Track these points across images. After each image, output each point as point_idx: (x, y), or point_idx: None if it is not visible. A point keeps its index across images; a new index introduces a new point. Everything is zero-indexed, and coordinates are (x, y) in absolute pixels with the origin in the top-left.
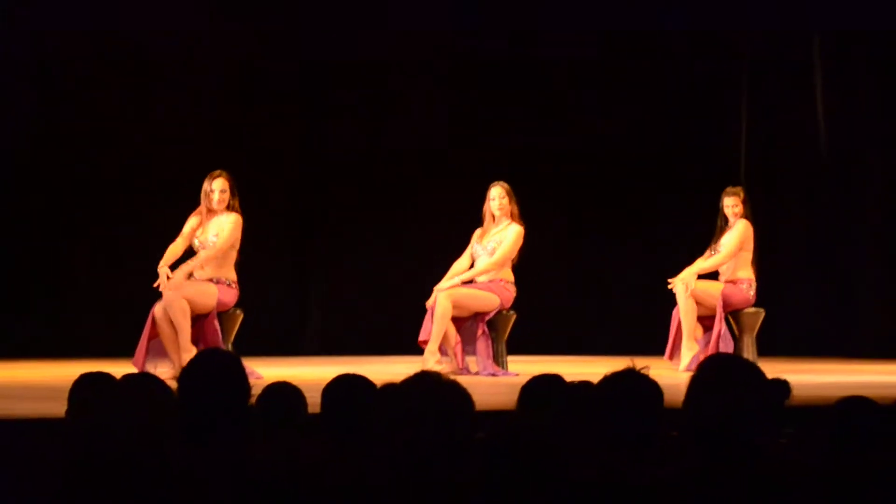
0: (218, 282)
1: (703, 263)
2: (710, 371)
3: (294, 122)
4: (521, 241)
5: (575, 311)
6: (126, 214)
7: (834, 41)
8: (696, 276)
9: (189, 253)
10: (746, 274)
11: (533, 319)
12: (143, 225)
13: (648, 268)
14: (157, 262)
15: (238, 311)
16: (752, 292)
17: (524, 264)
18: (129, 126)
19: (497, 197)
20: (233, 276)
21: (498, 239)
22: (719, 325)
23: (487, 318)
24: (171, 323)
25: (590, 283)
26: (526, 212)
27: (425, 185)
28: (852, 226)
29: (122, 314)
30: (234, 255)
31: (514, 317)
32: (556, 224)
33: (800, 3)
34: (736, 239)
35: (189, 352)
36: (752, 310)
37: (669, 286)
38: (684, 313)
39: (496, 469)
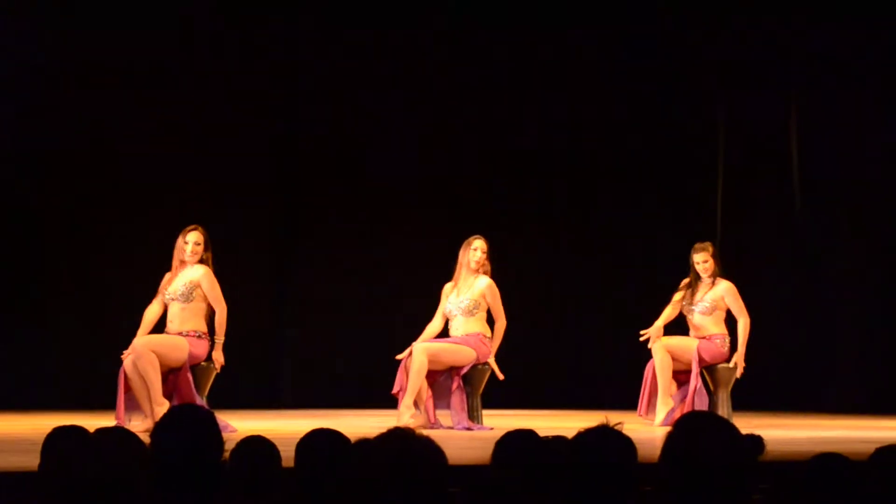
0: (188, 335)
1: (667, 315)
2: (685, 427)
3: (267, 167)
4: (497, 293)
5: (550, 365)
6: (104, 260)
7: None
8: (662, 328)
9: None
10: (720, 329)
11: (508, 373)
12: (115, 268)
13: (621, 321)
14: (133, 313)
15: (212, 365)
16: (727, 348)
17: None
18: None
19: (479, 249)
20: (204, 328)
21: (470, 296)
22: (696, 381)
23: (463, 371)
24: (142, 377)
25: (563, 337)
26: (500, 260)
27: (398, 236)
28: (825, 282)
29: (97, 365)
30: (205, 308)
31: (489, 371)
32: (530, 275)
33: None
34: (739, 301)
35: (161, 405)
36: (726, 365)
37: (641, 338)
38: (660, 368)
39: None
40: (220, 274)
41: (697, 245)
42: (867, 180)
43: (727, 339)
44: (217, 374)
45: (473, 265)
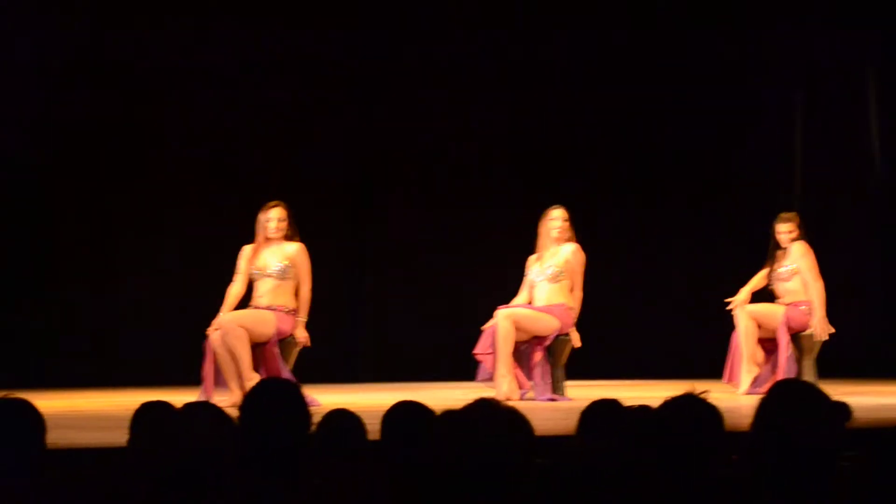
0: (276, 309)
1: (754, 284)
2: (779, 395)
3: (349, 150)
4: (584, 260)
5: (634, 335)
6: (178, 242)
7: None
8: (750, 295)
9: (248, 287)
10: (806, 296)
11: (591, 343)
12: (197, 253)
13: (707, 289)
14: (212, 290)
15: (296, 340)
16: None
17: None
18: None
19: (558, 219)
20: (292, 303)
21: (555, 262)
22: (787, 349)
23: (546, 343)
24: (230, 351)
25: (648, 306)
26: (582, 233)
27: (478, 212)
28: None
29: (179, 341)
30: (293, 284)
31: (570, 342)
32: (614, 247)
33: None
34: (811, 261)
35: (251, 379)
36: (811, 332)
37: (728, 307)
38: (745, 336)
39: (556, 495)
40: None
41: (782, 215)
42: None
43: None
44: (301, 350)
45: (555, 234)
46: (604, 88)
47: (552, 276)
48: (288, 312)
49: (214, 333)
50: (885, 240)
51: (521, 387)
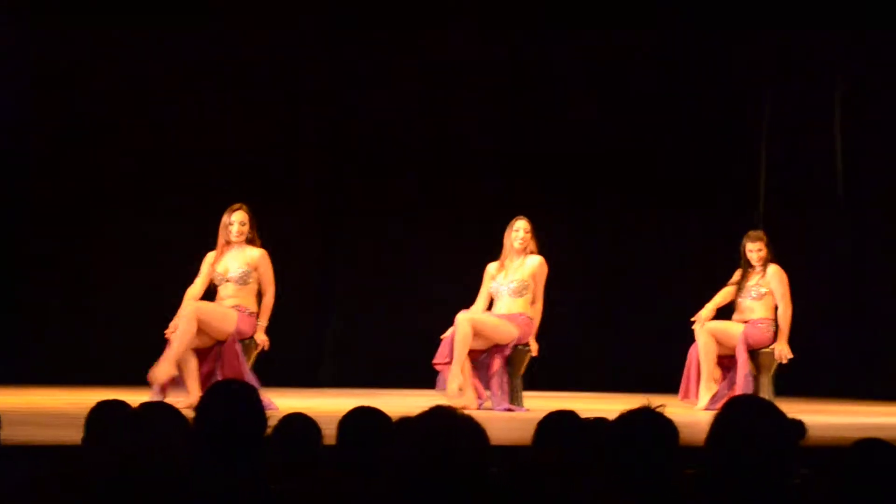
0: (239, 310)
1: (718, 301)
2: (733, 410)
3: (314, 155)
4: (546, 272)
5: (593, 348)
6: (141, 237)
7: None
8: (714, 312)
9: (209, 291)
10: (767, 314)
11: (549, 355)
12: (160, 246)
13: (664, 304)
14: (173, 290)
15: (255, 342)
16: (772, 332)
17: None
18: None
19: (521, 230)
20: (253, 306)
21: (520, 276)
22: (746, 366)
23: (506, 352)
24: (188, 351)
25: (606, 320)
26: (540, 244)
27: (445, 218)
28: (871, 265)
29: (138, 340)
30: (255, 288)
31: (530, 353)
32: (575, 259)
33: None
34: (785, 287)
35: (170, 363)
36: (769, 349)
37: (692, 324)
38: (704, 353)
39: None
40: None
41: (751, 233)
42: None
43: (773, 324)
44: (259, 353)
45: (518, 245)
46: (574, 96)
47: (516, 289)
48: (249, 314)
49: (173, 334)
50: (846, 256)
51: (478, 396)
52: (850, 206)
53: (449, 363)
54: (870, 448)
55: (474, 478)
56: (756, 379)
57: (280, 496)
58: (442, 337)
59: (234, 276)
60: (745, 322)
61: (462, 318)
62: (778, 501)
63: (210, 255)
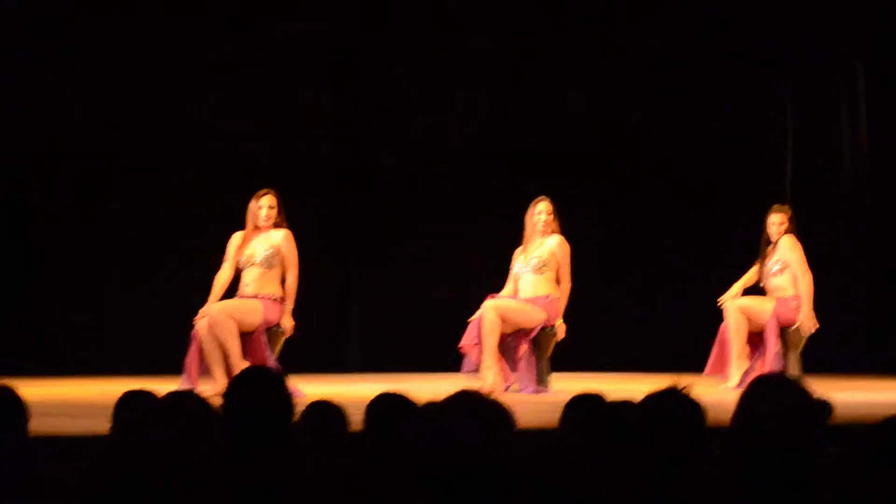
0: (263, 298)
1: (746, 280)
2: (759, 389)
3: (338, 142)
4: (569, 251)
5: (619, 328)
6: (166, 230)
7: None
8: (742, 291)
9: (236, 276)
10: (795, 291)
11: (576, 336)
12: (185, 240)
13: (693, 283)
14: (200, 278)
15: (281, 329)
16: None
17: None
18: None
19: (544, 212)
20: (278, 291)
21: (539, 254)
22: (776, 344)
23: (532, 335)
24: (216, 340)
25: (634, 300)
26: (568, 226)
27: (467, 202)
28: None
29: (164, 329)
30: (279, 272)
31: (556, 335)
32: (600, 239)
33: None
34: (799, 255)
35: (240, 369)
36: (797, 327)
37: (719, 303)
38: (734, 331)
39: (537, 487)
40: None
41: (776, 206)
42: None
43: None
44: (287, 339)
45: (540, 227)
46: (594, 85)
47: (536, 266)
48: (274, 301)
49: (201, 322)
50: (871, 237)
51: (505, 379)
52: (877, 182)
53: (476, 345)
54: None
55: (501, 462)
56: (784, 356)
57: (307, 482)
58: (469, 320)
59: (260, 259)
60: (777, 299)
61: (488, 305)
62: (806, 480)
63: (236, 237)
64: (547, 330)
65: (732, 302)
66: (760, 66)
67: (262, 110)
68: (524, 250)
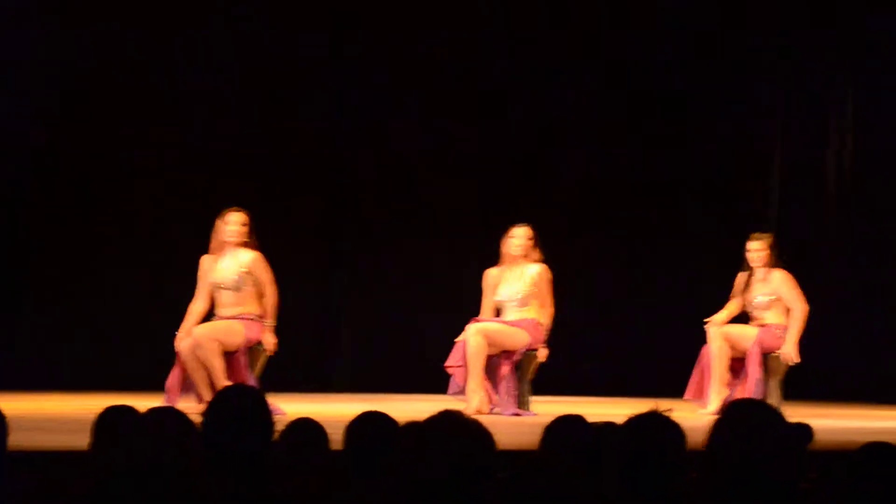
0: (243, 318)
1: (731, 310)
2: (732, 415)
3: (323, 158)
4: (551, 278)
5: (601, 352)
6: (146, 241)
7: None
8: (728, 320)
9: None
10: (780, 319)
11: (557, 359)
12: (166, 250)
13: (672, 308)
14: (180, 297)
15: (262, 348)
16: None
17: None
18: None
19: (521, 237)
20: (256, 309)
21: (521, 287)
22: (758, 371)
23: (515, 357)
24: (199, 361)
25: (616, 324)
26: (551, 251)
27: (454, 223)
28: (879, 271)
29: (145, 346)
30: (254, 291)
31: (538, 358)
32: (582, 264)
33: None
34: (794, 289)
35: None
36: (778, 353)
37: (705, 324)
38: (717, 356)
39: None
40: (270, 259)
41: (754, 234)
42: None
43: (786, 330)
44: (271, 357)
45: (516, 251)
46: (570, 105)
47: (521, 301)
48: (254, 319)
49: (184, 343)
50: (854, 262)
51: (490, 401)
52: (860, 210)
53: (461, 367)
54: (878, 452)
55: (481, 482)
56: (764, 383)
57: (285, 501)
58: (456, 340)
59: (229, 283)
60: (762, 327)
61: (473, 329)
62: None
63: (204, 263)
64: (529, 353)
65: (716, 328)
66: (748, 94)
67: (246, 128)
68: (503, 278)
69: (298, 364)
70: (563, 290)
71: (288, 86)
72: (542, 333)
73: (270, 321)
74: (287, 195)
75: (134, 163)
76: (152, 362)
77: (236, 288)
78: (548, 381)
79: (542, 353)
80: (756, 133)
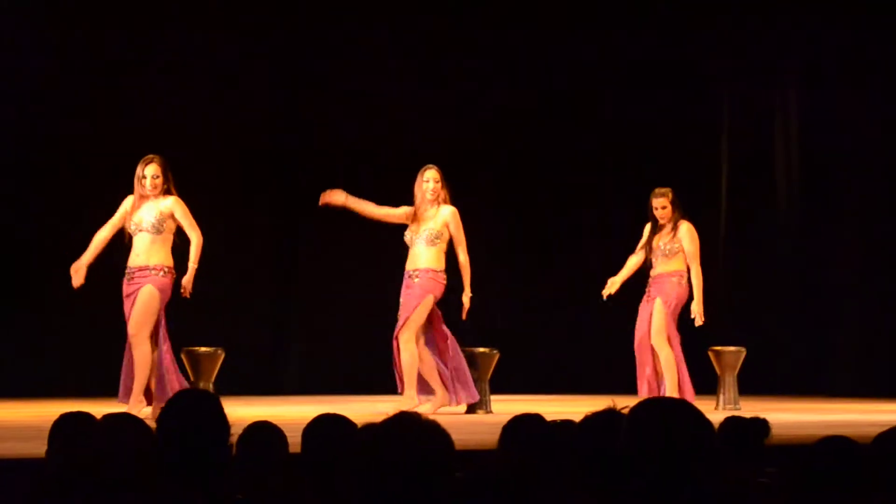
0: (154, 269)
1: (632, 266)
2: (643, 414)
3: (273, 158)
4: (460, 222)
5: (559, 350)
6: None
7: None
8: (626, 278)
9: (118, 238)
10: (679, 267)
11: (516, 358)
12: (120, 255)
13: (626, 305)
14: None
15: (219, 351)
16: (685, 288)
17: (507, 302)
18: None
19: (431, 180)
20: (170, 262)
21: (432, 225)
22: (676, 336)
23: (442, 328)
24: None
25: (570, 323)
26: (508, 244)
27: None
28: (831, 265)
29: (98, 352)
30: (171, 237)
31: (497, 356)
32: (539, 262)
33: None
34: (696, 246)
35: (140, 403)
36: (733, 348)
37: (607, 291)
38: (667, 368)
39: None
40: (224, 259)
41: (657, 190)
42: (869, 169)
43: (684, 277)
44: (224, 360)
45: (430, 196)
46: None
47: (428, 238)
48: (164, 274)
49: (77, 277)
50: (806, 255)
51: (451, 398)
52: (806, 203)
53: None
54: (834, 445)
55: (439, 482)
56: (720, 378)
57: None
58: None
59: (148, 225)
60: (657, 275)
61: (401, 342)
62: (703, 494)
63: (128, 201)
64: (487, 352)
65: (613, 290)
66: (697, 93)
67: (211, 126)
68: (416, 219)
69: (251, 367)
70: (526, 286)
71: (245, 104)
72: (442, 281)
73: (194, 263)
74: (244, 203)
75: (87, 164)
76: (108, 369)
77: (156, 231)
78: (506, 380)
79: (467, 300)
80: (706, 130)
